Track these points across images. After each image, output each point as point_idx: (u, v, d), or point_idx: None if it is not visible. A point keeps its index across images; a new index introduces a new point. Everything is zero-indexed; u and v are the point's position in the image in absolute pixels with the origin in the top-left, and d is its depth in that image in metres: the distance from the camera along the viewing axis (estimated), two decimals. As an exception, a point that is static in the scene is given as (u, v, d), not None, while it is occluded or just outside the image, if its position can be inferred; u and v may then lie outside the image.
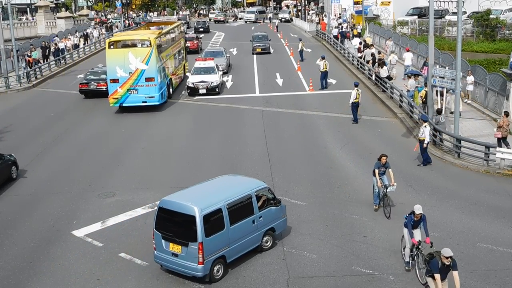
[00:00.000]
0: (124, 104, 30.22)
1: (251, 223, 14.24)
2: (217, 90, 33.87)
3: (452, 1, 57.42)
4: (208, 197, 13.86)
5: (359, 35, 50.83)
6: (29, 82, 39.60)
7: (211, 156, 22.71)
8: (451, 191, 18.39)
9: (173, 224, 13.49)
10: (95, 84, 33.99)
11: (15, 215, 17.81)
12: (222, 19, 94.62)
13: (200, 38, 56.53)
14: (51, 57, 47.53)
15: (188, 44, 48.20)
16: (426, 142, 20.37)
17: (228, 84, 36.90)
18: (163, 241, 13.54)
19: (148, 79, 29.72)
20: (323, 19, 64.92)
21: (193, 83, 33.83)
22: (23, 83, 39.09)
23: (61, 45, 50.63)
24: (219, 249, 13.43)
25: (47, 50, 48.24)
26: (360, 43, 43.48)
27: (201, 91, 33.62)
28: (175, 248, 13.34)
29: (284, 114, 28.88)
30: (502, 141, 20.75)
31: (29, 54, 44.01)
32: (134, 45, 30.25)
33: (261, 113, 29.17)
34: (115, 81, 29.78)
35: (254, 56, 48.07)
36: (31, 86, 39.03)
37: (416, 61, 39.08)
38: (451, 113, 26.40)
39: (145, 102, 30.09)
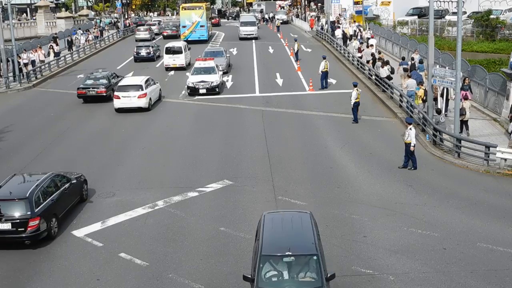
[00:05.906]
0: (189, 39, 55.95)
1: None
2: (217, 90, 33.87)
3: (452, 1, 57.45)
4: None
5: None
6: (29, 82, 39.62)
7: (211, 156, 22.70)
8: (451, 191, 18.37)
9: None
10: (170, 31, 63.90)
11: (15, 215, 17.80)
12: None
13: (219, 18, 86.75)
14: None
15: (213, 20, 77.28)
16: (412, 144, 20.24)
17: (228, 84, 36.90)
18: None
19: (201, 26, 58.40)
20: (312, 18, 73.04)
21: (193, 83, 33.80)
22: (23, 83, 39.10)
23: (32, 57, 44.05)
24: None
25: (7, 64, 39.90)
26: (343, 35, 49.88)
27: (201, 91, 33.60)
28: None
29: (284, 114, 28.87)
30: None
31: None
32: (194, 9, 59.32)
33: (261, 113, 29.16)
34: (184, 27, 58.65)
35: (254, 58, 47.20)
36: (31, 86, 39.03)
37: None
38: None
39: (199, 38, 57.86)
